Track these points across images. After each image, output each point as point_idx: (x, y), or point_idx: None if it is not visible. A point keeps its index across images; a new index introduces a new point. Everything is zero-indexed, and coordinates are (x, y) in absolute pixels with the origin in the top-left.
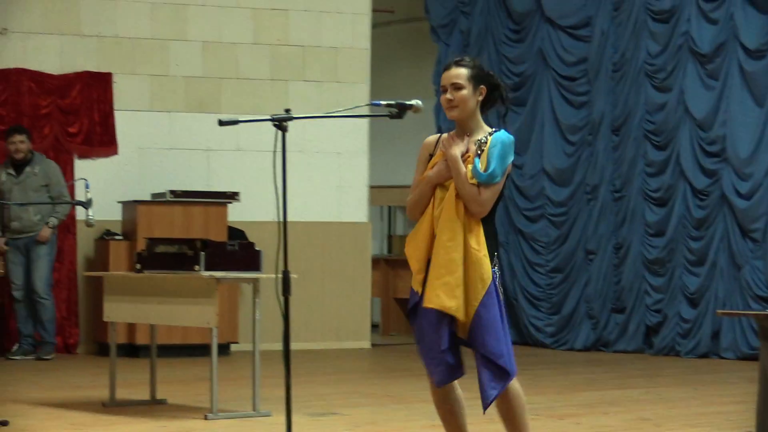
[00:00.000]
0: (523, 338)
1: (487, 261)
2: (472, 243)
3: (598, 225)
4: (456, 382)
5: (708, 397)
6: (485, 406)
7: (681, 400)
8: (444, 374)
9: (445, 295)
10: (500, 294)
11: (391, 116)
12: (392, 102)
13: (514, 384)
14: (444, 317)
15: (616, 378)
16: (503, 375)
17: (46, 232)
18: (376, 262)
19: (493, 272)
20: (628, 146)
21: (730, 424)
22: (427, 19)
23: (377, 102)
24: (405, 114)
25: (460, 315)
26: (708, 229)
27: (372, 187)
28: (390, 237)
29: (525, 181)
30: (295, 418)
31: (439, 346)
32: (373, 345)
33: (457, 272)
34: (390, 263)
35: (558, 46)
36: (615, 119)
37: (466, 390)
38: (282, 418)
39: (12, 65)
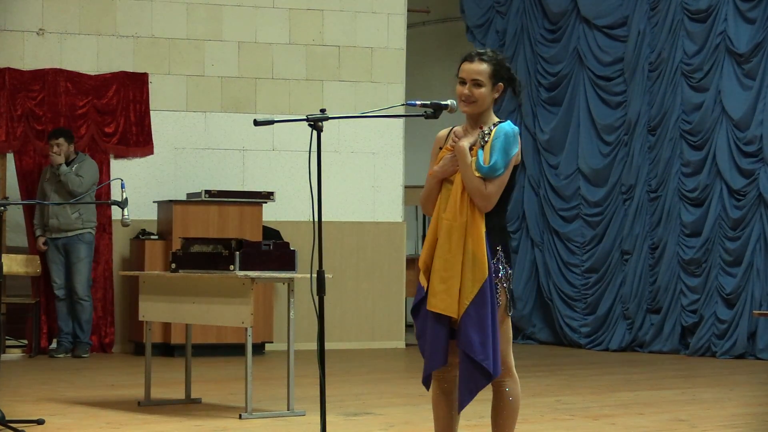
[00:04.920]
0: (558, 338)
1: (483, 259)
2: (470, 242)
3: (633, 225)
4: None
5: (744, 398)
6: (461, 406)
7: (717, 401)
8: (434, 368)
9: (440, 297)
10: (497, 293)
11: (427, 116)
12: (427, 102)
13: (514, 387)
14: (443, 316)
15: (652, 379)
16: (484, 376)
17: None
18: (410, 261)
19: (496, 267)
20: (664, 146)
21: (766, 426)
22: (462, 19)
23: (412, 102)
24: (440, 114)
25: (452, 313)
26: (744, 229)
27: (407, 187)
28: (424, 237)
29: (560, 181)
30: (329, 417)
31: (438, 343)
32: (407, 345)
33: (453, 272)
34: None
35: (594, 46)
36: (651, 119)
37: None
38: (316, 418)
39: (48, 65)
